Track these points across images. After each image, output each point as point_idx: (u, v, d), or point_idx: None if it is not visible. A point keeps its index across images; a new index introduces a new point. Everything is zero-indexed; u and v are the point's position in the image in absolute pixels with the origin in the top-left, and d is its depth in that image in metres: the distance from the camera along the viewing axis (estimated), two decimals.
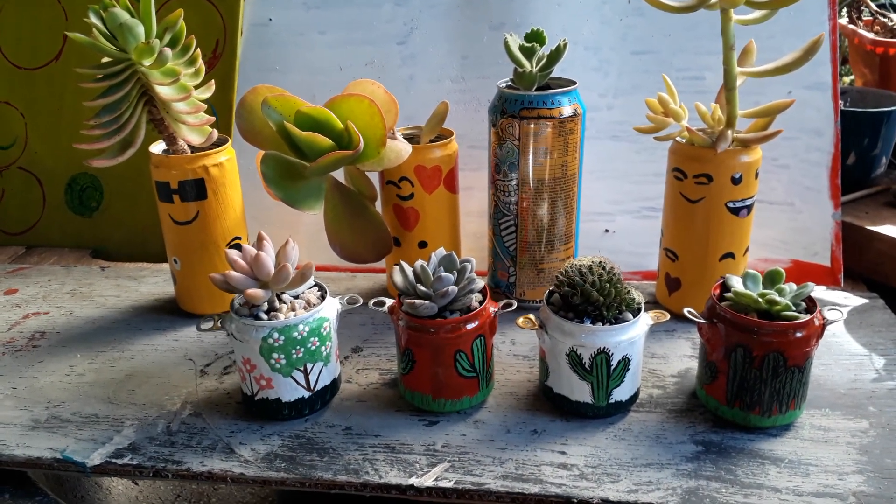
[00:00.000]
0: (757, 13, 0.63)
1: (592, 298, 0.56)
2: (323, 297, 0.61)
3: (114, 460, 0.57)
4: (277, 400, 0.59)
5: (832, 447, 0.55)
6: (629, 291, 0.58)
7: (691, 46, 0.83)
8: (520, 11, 0.84)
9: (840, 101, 0.81)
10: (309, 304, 0.60)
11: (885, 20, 1.11)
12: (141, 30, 0.64)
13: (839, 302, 0.76)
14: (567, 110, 0.69)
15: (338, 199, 0.71)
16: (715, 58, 0.66)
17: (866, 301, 0.75)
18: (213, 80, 0.72)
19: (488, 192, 0.75)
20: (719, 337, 0.56)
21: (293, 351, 0.58)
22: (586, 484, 0.52)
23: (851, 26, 1.11)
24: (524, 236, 0.73)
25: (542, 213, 0.72)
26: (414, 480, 0.54)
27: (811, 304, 0.57)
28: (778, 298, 0.55)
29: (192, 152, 0.72)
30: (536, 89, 0.70)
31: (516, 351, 0.70)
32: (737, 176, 0.66)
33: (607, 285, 0.56)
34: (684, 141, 0.69)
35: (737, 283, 0.58)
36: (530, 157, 0.70)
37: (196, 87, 0.70)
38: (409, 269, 0.60)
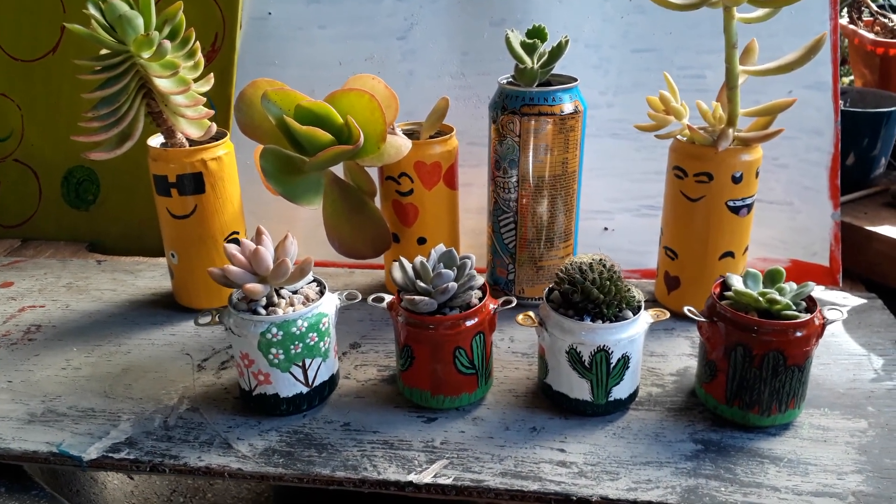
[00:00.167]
0: (759, 11, 0.63)
1: (593, 296, 0.56)
2: (322, 293, 0.61)
3: (110, 455, 0.57)
4: (275, 395, 0.59)
5: (831, 447, 0.55)
6: (629, 289, 0.58)
7: (693, 44, 0.82)
8: (521, 8, 0.84)
9: (840, 102, 0.81)
10: (308, 300, 0.60)
11: (886, 20, 1.11)
12: (140, 22, 0.64)
13: (838, 302, 0.76)
14: (568, 107, 0.68)
15: (337, 195, 0.71)
16: (716, 56, 0.66)
17: (865, 301, 0.76)
18: (212, 74, 0.71)
19: (488, 189, 0.75)
20: (719, 335, 0.56)
21: (291, 346, 0.58)
22: (585, 482, 0.52)
23: (852, 26, 1.11)
24: (524, 233, 0.73)
25: (542, 211, 0.72)
26: (412, 477, 0.53)
27: (811, 304, 0.57)
28: (778, 298, 0.55)
29: (190, 146, 0.71)
30: (537, 86, 0.70)
31: (515, 348, 0.70)
32: (737, 175, 0.66)
33: (608, 283, 0.56)
34: (685, 139, 0.69)
35: (737, 282, 0.58)
36: (530, 153, 0.69)
37: (195, 80, 0.69)
38: (408, 266, 0.59)
